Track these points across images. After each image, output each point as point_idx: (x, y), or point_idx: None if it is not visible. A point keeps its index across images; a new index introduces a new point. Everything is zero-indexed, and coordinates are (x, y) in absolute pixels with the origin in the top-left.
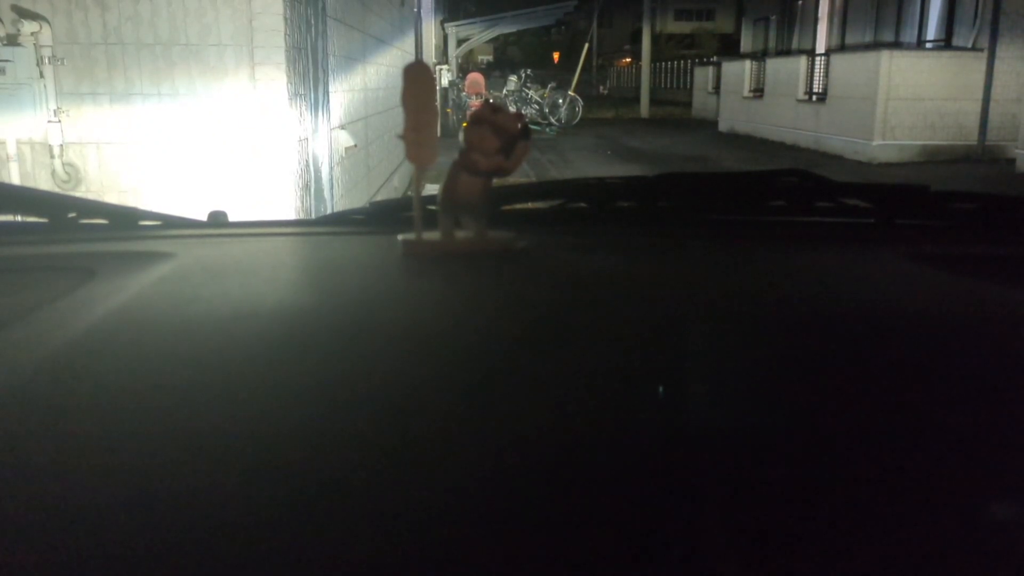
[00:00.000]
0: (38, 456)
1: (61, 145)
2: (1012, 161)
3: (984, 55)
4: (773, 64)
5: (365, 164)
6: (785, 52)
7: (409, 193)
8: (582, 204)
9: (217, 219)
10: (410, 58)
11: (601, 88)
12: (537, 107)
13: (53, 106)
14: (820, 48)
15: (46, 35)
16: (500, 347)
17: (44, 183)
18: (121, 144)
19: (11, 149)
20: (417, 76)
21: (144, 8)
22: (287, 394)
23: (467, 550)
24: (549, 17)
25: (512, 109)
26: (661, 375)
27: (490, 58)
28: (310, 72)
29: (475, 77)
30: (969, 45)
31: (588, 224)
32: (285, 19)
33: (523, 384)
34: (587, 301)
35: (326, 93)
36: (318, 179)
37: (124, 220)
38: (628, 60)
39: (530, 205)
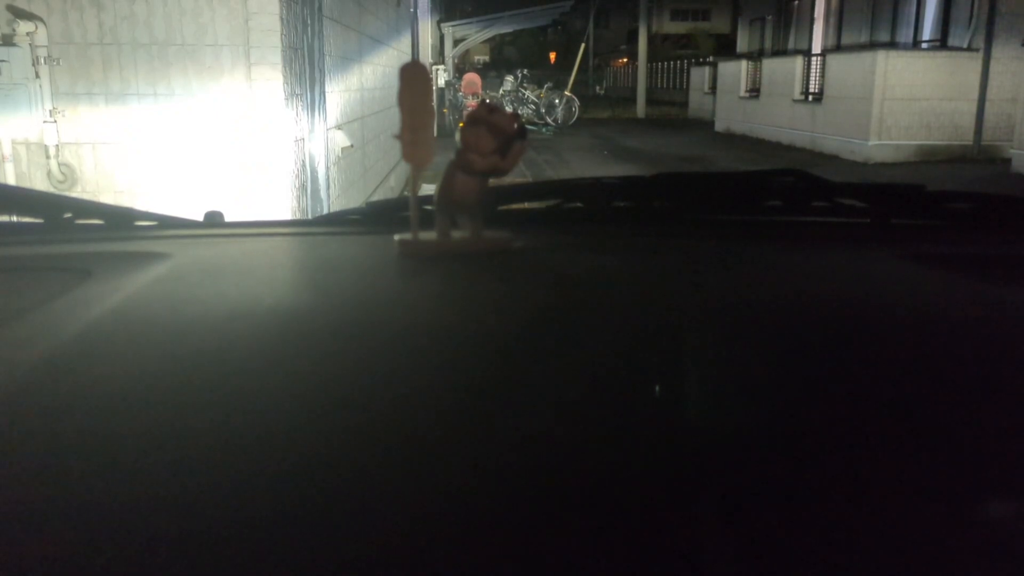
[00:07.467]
0: (34, 456)
1: (57, 145)
2: (1008, 161)
3: (979, 55)
4: (769, 64)
5: (361, 164)
6: (781, 52)
7: (405, 193)
8: (578, 204)
9: (213, 219)
10: (406, 58)
11: (597, 88)
12: (533, 107)
13: (49, 106)
14: (816, 48)
15: (42, 35)
16: (497, 347)
17: (40, 183)
18: (117, 144)
19: (7, 149)
20: (414, 76)
21: (140, 8)
22: (284, 394)
23: (466, 550)
24: (545, 17)
25: (508, 109)
26: (658, 375)
27: (486, 58)
28: (306, 72)
29: (471, 77)
30: (965, 45)
31: (584, 224)
32: (281, 19)
33: (520, 384)
34: (583, 301)
35: (322, 93)
36: (314, 179)
37: (120, 220)
38: (624, 60)
39: (527, 205)
